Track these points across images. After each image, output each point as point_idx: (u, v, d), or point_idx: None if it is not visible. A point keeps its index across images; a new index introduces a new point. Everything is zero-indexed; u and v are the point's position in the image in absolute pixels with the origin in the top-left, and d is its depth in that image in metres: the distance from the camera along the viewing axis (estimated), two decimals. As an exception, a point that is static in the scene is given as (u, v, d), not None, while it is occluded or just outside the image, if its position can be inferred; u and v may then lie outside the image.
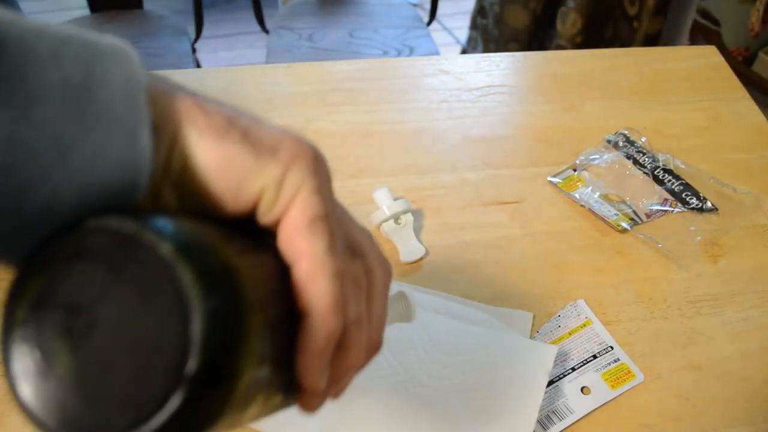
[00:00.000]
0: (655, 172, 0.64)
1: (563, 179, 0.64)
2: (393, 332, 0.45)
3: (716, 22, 1.44)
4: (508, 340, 0.49)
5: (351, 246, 0.26)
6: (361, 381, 0.47)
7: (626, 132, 0.68)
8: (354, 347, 0.26)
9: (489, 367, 0.47)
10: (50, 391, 0.18)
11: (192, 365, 0.18)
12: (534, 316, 0.53)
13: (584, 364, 0.50)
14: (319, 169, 0.24)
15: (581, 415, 0.47)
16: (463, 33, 2.11)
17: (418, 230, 0.59)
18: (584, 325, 0.53)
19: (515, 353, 0.48)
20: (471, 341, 0.49)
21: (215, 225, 0.23)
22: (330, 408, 0.46)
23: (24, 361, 0.19)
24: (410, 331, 0.49)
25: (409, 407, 0.46)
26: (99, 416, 0.18)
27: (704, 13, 1.47)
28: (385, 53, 1.36)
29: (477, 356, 0.48)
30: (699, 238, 0.60)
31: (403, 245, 0.57)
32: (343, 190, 0.63)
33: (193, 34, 1.41)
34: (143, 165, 0.21)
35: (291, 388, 0.25)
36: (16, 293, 0.19)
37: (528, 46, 1.76)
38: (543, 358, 0.47)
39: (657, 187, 0.63)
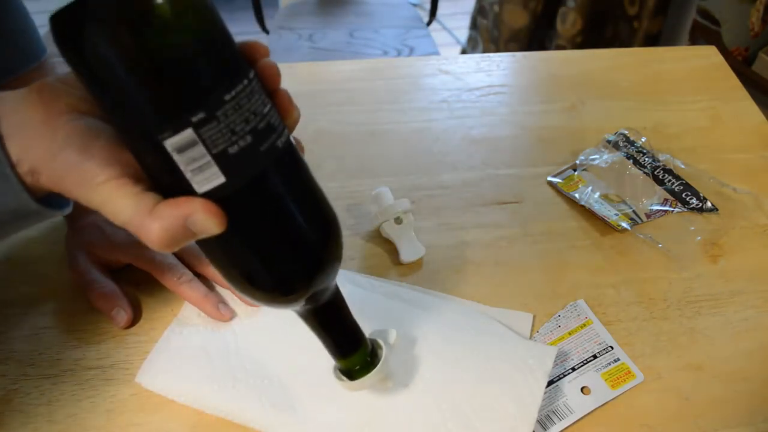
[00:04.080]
0: (655, 172, 0.64)
1: (563, 179, 0.64)
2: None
3: (716, 22, 1.44)
4: (508, 341, 0.49)
5: None
6: (360, 383, 0.47)
7: (626, 132, 0.68)
8: None
9: (489, 368, 0.47)
10: None
11: None
12: (534, 316, 0.53)
13: (584, 364, 0.50)
14: None
15: (581, 415, 0.47)
16: (463, 33, 2.11)
17: (418, 230, 0.59)
18: (584, 325, 0.53)
19: (515, 353, 0.48)
20: (470, 341, 0.49)
21: None
22: (329, 408, 0.46)
23: None
24: (409, 332, 0.49)
25: (408, 407, 0.46)
26: None
27: (704, 13, 1.47)
28: (385, 53, 1.36)
29: (476, 356, 0.48)
30: (699, 238, 0.60)
31: (403, 245, 0.57)
32: (343, 190, 0.63)
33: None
34: None
35: None
36: None
37: (528, 46, 1.76)
38: (543, 359, 0.47)
39: (657, 187, 0.63)
